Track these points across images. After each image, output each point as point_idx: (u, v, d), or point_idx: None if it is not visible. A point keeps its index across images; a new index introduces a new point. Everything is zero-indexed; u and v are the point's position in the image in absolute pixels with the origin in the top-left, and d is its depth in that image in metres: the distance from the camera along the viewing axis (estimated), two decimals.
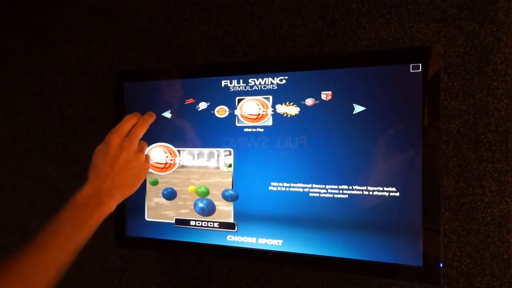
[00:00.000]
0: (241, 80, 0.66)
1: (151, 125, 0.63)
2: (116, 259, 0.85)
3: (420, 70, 0.56)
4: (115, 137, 0.57)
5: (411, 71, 0.57)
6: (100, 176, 0.55)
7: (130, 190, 0.59)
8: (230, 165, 0.66)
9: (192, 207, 0.69)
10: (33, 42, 0.95)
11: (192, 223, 0.69)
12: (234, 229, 0.66)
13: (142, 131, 0.61)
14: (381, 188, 0.58)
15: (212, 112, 0.67)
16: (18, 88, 0.96)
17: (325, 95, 0.61)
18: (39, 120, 0.93)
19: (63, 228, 0.50)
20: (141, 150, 0.60)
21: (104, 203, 0.54)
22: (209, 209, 0.67)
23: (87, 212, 0.53)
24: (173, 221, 0.70)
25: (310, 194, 0.61)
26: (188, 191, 0.69)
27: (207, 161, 0.68)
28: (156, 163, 0.71)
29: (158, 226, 0.71)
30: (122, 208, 0.73)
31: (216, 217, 0.68)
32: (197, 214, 0.69)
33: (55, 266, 0.48)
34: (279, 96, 0.63)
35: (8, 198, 0.96)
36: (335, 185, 0.60)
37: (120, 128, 0.59)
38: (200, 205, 0.68)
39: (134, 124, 0.61)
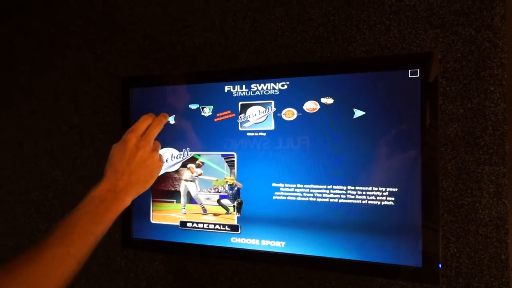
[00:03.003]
0: (243, 86, 0.67)
1: None
2: (122, 260, 0.86)
3: (419, 75, 0.57)
4: (132, 136, 0.60)
5: (409, 76, 0.58)
6: (117, 173, 0.58)
7: (144, 187, 0.62)
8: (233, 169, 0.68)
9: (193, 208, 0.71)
10: (39, 48, 0.97)
11: (196, 225, 0.70)
12: (238, 231, 0.68)
13: (157, 131, 0.64)
14: (381, 191, 0.59)
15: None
16: (25, 94, 0.97)
17: (326, 100, 0.62)
18: (46, 125, 0.95)
19: (82, 221, 0.52)
20: (155, 149, 0.63)
21: (120, 199, 0.57)
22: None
23: (105, 206, 0.55)
24: (178, 223, 0.72)
25: (312, 196, 0.63)
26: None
27: (210, 164, 0.69)
28: None
29: (163, 228, 0.73)
30: (128, 210, 0.75)
31: (220, 220, 0.69)
32: (201, 216, 0.70)
33: (76, 257, 0.49)
34: (281, 101, 0.65)
35: (16, 202, 0.98)
36: (336, 188, 0.61)
37: (137, 128, 0.62)
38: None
39: (150, 125, 0.64)
